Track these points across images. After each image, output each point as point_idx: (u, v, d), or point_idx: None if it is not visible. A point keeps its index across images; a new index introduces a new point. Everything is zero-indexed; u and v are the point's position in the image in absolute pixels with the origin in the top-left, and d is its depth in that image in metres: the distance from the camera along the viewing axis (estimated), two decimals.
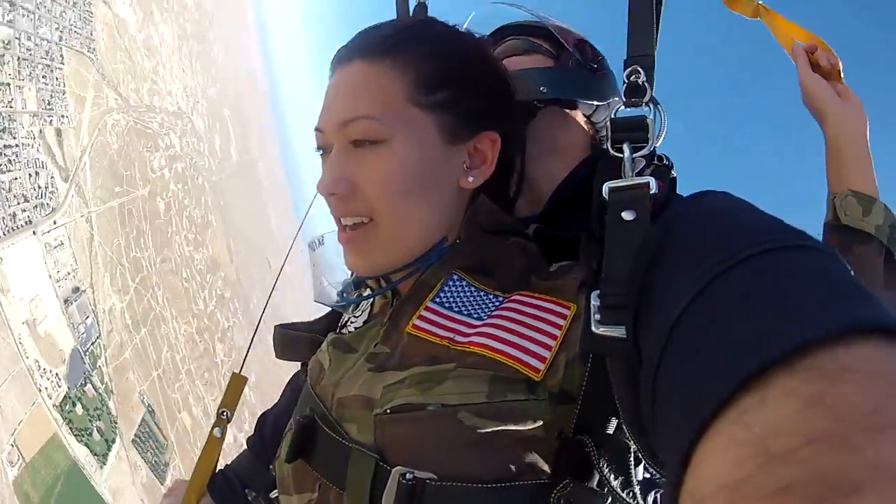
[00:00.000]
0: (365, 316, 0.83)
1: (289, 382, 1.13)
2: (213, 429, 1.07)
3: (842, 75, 0.94)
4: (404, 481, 0.57)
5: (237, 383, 1.05)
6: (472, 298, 0.72)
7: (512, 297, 0.69)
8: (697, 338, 0.39)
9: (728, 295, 0.39)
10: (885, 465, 0.23)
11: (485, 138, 0.75)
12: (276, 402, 1.17)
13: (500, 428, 0.58)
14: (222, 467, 1.07)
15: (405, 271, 0.76)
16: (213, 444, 1.06)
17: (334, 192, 0.72)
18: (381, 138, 0.70)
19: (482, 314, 0.69)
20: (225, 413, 1.08)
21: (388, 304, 0.80)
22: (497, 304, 0.70)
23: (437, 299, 0.72)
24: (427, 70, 0.72)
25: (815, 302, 0.33)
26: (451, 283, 0.73)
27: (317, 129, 0.76)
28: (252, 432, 1.14)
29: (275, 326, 0.98)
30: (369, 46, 0.74)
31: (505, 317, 0.65)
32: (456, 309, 0.70)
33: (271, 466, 1.00)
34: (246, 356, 1.10)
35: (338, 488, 0.65)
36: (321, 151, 0.77)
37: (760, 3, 1.04)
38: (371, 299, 0.85)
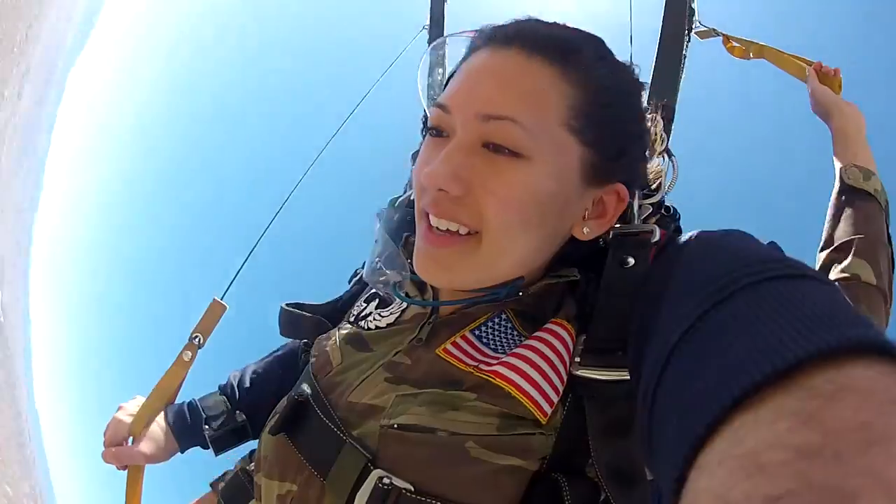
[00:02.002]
0: (391, 318, 0.76)
1: (280, 348, 1.06)
2: (182, 352, 1.04)
3: (842, 86, 1.15)
4: (381, 485, 0.59)
5: (216, 309, 1.02)
6: (509, 339, 0.68)
7: (542, 327, 0.66)
8: (693, 361, 0.39)
9: (725, 321, 0.40)
10: (877, 474, 0.23)
11: (614, 192, 0.67)
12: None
13: (504, 462, 0.59)
14: (189, 401, 1.02)
15: (470, 295, 0.70)
16: (179, 367, 1.02)
17: (446, 188, 0.60)
18: (522, 152, 0.60)
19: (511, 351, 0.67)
20: (198, 338, 1.04)
21: (424, 317, 0.74)
22: None
23: (476, 331, 0.69)
24: (591, 96, 0.62)
25: (809, 324, 0.34)
26: (497, 319, 0.69)
27: (439, 106, 0.64)
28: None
29: (281, 306, 0.94)
30: (538, 42, 0.62)
31: (531, 347, 0.63)
32: (491, 346, 0.67)
33: (237, 412, 0.97)
34: (230, 285, 1.07)
35: (319, 476, 0.64)
36: (432, 133, 0.66)
37: (763, 44, 1.23)
38: (406, 305, 0.77)
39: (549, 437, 0.60)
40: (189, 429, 0.97)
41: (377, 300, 0.82)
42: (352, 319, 0.81)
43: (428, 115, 0.69)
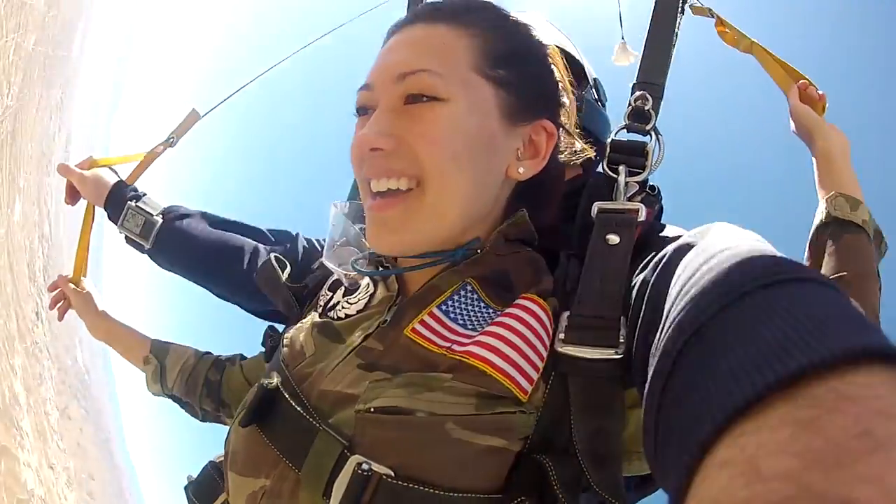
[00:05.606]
0: (360, 305, 0.76)
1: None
2: (157, 146, 1.17)
3: (825, 109, 1.07)
4: (360, 471, 0.56)
5: (191, 117, 1.14)
6: (477, 312, 0.68)
7: (513, 303, 0.66)
8: (698, 368, 0.39)
9: (728, 329, 0.40)
10: (878, 482, 0.23)
11: (541, 129, 0.72)
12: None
13: (486, 442, 0.58)
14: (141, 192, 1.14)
15: (426, 259, 0.71)
16: (151, 155, 1.16)
17: (379, 146, 0.65)
18: (440, 95, 0.65)
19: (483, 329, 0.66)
20: (172, 139, 1.18)
21: (392, 299, 0.74)
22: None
23: (443, 307, 0.68)
24: (494, 44, 0.69)
25: (812, 331, 0.34)
26: (462, 292, 0.69)
27: (362, 88, 0.71)
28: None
29: (271, 255, 0.94)
30: (433, 12, 0.71)
31: (504, 324, 0.63)
32: (460, 322, 0.66)
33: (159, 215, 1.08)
34: (215, 106, 1.19)
35: (294, 467, 0.63)
36: (361, 113, 0.72)
37: (755, 40, 1.15)
38: (371, 288, 0.78)
39: (531, 416, 0.60)
40: (119, 201, 1.11)
41: (343, 288, 0.82)
42: (320, 310, 0.81)
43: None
